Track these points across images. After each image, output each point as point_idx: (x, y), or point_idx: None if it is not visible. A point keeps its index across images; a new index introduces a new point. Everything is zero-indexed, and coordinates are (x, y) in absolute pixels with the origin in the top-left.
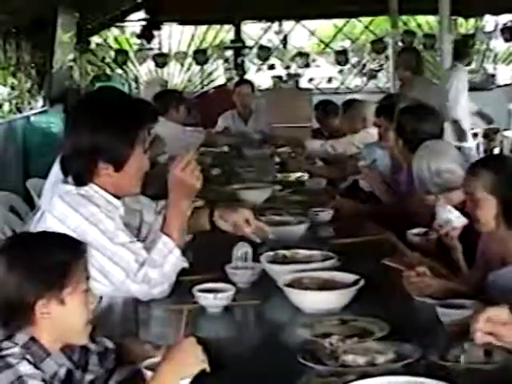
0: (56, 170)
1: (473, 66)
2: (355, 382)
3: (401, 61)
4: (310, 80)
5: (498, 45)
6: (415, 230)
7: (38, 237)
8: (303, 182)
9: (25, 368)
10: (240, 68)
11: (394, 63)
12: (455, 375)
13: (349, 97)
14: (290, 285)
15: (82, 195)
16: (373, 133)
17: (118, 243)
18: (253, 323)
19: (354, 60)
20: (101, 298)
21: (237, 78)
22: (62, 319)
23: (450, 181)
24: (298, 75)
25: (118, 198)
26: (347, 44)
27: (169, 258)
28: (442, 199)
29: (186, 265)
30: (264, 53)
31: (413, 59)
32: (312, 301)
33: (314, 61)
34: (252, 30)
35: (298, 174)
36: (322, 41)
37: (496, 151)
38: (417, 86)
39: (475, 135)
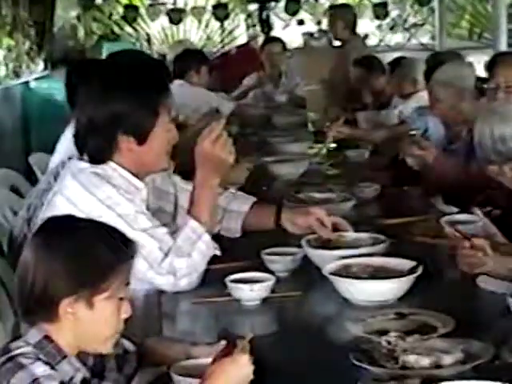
0: (66, 145)
1: None
2: None
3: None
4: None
5: None
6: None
7: (85, 225)
8: (343, 153)
9: (39, 369)
10: (265, 24)
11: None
12: None
13: (390, 55)
14: (337, 273)
15: (98, 174)
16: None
17: (138, 229)
18: (294, 318)
19: (394, 13)
20: None
21: (261, 36)
22: (87, 324)
23: None
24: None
25: (140, 178)
26: None
27: (197, 245)
28: (508, 170)
29: (217, 252)
30: (293, 6)
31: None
32: (363, 291)
33: None
34: None
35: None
36: None
37: None
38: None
39: None
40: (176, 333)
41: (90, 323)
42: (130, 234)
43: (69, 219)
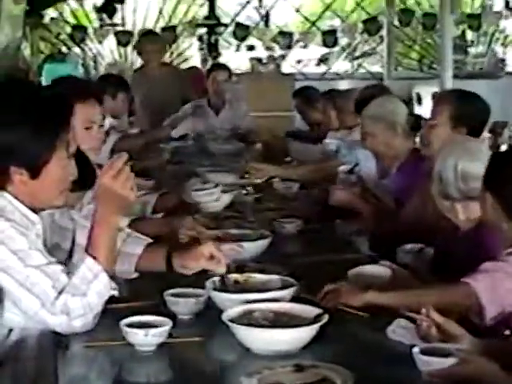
0: None
1: (479, 49)
2: None
3: None
4: (298, 62)
5: (509, 25)
6: (408, 246)
7: None
8: (272, 185)
9: None
10: (213, 48)
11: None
12: None
13: (337, 83)
14: (237, 319)
15: None
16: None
17: (31, 265)
18: (190, 366)
19: (343, 41)
20: (10, 330)
21: (210, 60)
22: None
23: (475, 189)
24: (280, 57)
25: (36, 212)
26: (337, 23)
27: (94, 285)
28: (460, 208)
29: (115, 293)
30: (242, 32)
31: None
32: (262, 340)
33: (297, 42)
34: (228, 5)
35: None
36: (307, 19)
37: (503, 148)
38: None
39: None
40: (69, 377)
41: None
42: (21, 270)
43: None
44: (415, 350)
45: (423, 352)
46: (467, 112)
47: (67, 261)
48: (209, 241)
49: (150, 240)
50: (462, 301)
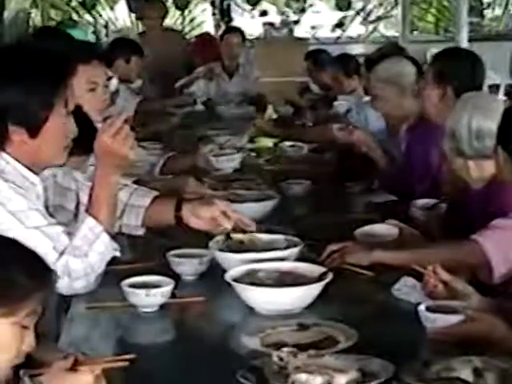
0: None
1: (496, 11)
2: None
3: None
4: (313, 28)
5: None
6: (421, 201)
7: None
8: (282, 148)
9: None
10: (226, 14)
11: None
12: None
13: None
14: (240, 279)
15: None
16: None
17: (31, 227)
18: (192, 327)
19: (358, 5)
20: None
21: (223, 26)
22: None
23: (489, 147)
24: (293, 22)
25: (36, 173)
26: None
27: (95, 246)
28: (473, 166)
29: (117, 253)
30: None
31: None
32: (265, 300)
33: (311, 6)
34: None
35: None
36: None
37: None
38: None
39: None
40: (71, 339)
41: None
42: (21, 231)
43: None
44: (421, 306)
45: (429, 309)
46: (450, 70)
47: (73, 222)
48: (221, 201)
49: (157, 193)
50: (470, 259)
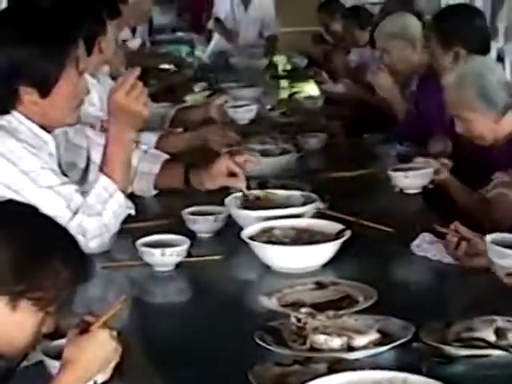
0: None
1: None
2: (311, 381)
3: None
4: None
5: None
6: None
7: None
8: (298, 99)
9: None
10: None
11: None
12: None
13: None
14: (256, 237)
15: (2, 127)
16: None
17: (44, 186)
18: (209, 286)
19: None
20: None
21: None
22: (2, 324)
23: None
24: None
25: (48, 131)
26: None
27: (109, 204)
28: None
29: (132, 211)
30: None
31: None
32: (282, 258)
33: None
34: None
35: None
36: None
37: None
38: None
39: None
40: (86, 299)
41: (6, 324)
42: (34, 191)
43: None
44: (488, 238)
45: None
46: (457, 31)
47: (82, 180)
48: (224, 154)
49: (167, 156)
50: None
